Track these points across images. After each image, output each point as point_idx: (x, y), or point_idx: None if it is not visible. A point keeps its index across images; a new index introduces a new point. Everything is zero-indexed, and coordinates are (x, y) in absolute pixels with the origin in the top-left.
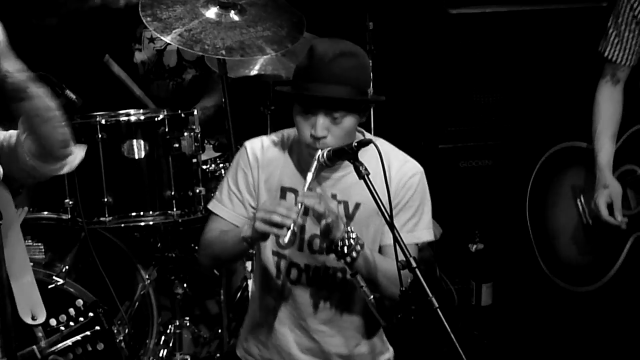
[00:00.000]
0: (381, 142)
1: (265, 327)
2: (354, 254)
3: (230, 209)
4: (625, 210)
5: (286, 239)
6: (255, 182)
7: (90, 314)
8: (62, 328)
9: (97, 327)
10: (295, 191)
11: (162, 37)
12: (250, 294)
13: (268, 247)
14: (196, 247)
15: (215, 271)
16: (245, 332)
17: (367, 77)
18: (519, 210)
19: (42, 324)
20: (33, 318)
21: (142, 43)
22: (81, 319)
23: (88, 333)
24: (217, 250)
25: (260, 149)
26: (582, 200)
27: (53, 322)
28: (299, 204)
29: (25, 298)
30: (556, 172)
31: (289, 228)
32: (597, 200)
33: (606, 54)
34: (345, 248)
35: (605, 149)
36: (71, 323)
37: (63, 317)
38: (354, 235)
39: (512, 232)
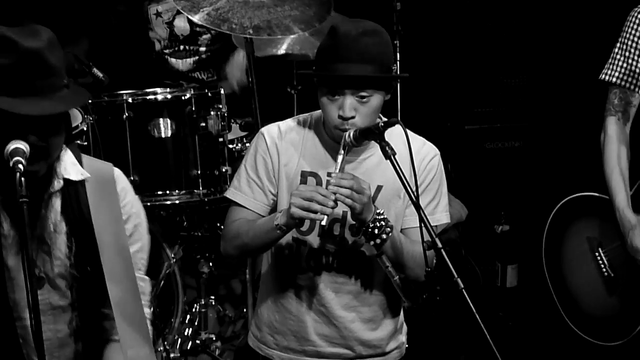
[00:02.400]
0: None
1: (281, 314)
2: (384, 235)
3: (250, 197)
4: None
5: (324, 223)
6: (275, 168)
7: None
8: None
9: None
10: (316, 175)
11: (190, 16)
12: (262, 281)
13: (289, 233)
14: (222, 226)
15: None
16: (258, 322)
17: (390, 54)
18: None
19: None
20: None
21: (151, 22)
22: None
23: None
24: (247, 240)
25: (278, 134)
26: (602, 252)
27: None
28: (334, 187)
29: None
30: (568, 224)
31: (327, 214)
32: (634, 242)
33: (614, 80)
34: (376, 230)
35: (620, 193)
36: None
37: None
38: (384, 217)
39: (538, 213)
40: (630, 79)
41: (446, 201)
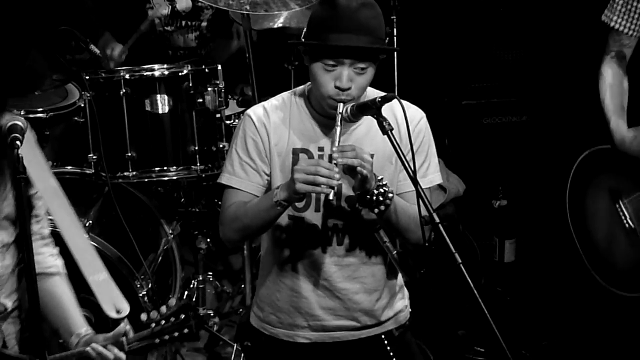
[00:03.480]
0: (378, 92)
1: (284, 292)
2: (388, 201)
3: (245, 179)
4: None
5: (331, 197)
6: (266, 148)
7: (182, 316)
8: (153, 325)
9: (186, 330)
10: (307, 151)
11: None
12: (262, 261)
13: (284, 212)
14: (219, 202)
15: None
16: (260, 301)
17: (384, 26)
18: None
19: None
20: (117, 312)
21: (152, 1)
22: (172, 319)
23: (176, 334)
24: (247, 221)
25: (264, 114)
26: (623, 204)
27: (144, 317)
28: (335, 160)
29: (105, 294)
30: (591, 178)
31: (333, 187)
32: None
33: (612, 24)
34: (381, 197)
35: (615, 118)
36: (162, 322)
37: (154, 314)
38: (385, 183)
39: (535, 188)
40: (627, 24)
41: (436, 161)
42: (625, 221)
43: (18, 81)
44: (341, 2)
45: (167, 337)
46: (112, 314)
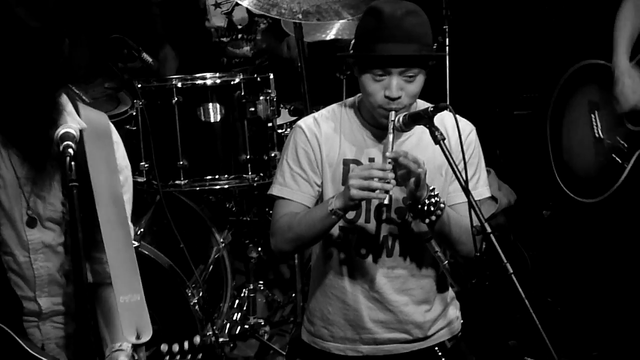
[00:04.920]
0: (428, 104)
1: (335, 305)
2: (439, 212)
3: (297, 190)
4: (631, 126)
5: (386, 201)
6: (317, 158)
7: (200, 356)
8: (167, 358)
9: None
10: (357, 162)
11: (239, 1)
12: (312, 275)
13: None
14: (271, 211)
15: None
16: (311, 315)
17: (431, 33)
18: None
19: (149, 345)
20: (137, 337)
21: (209, 12)
22: (189, 356)
23: None
24: (300, 231)
25: (316, 125)
26: (597, 115)
27: (164, 347)
28: (390, 163)
29: (131, 317)
30: (575, 89)
31: (388, 191)
32: (622, 88)
33: None
34: (432, 207)
35: (621, 47)
36: (178, 357)
37: (175, 347)
38: (437, 193)
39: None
40: None
41: (485, 175)
42: (595, 130)
43: (58, 71)
44: (386, 11)
45: None
46: (131, 338)
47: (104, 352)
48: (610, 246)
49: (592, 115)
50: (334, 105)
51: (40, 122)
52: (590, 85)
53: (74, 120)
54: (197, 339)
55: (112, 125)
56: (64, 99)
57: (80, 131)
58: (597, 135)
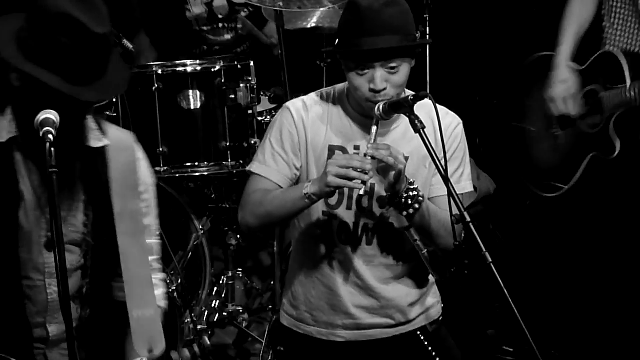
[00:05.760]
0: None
1: (318, 289)
2: (417, 205)
3: (275, 170)
4: (588, 128)
5: (362, 192)
6: (302, 142)
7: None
8: None
9: None
10: (343, 149)
11: None
12: (292, 259)
13: (318, 207)
14: None
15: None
16: (293, 300)
17: (412, 21)
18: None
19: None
20: (149, 351)
21: (189, 1)
22: None
23: None
24: (271, 209)
25: (304, 108)
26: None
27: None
28: (369, 157)
29: (144, 332)
30: (535, 81)
31: (364, 182)
32: (552, 93)
33: None
34: (410, 200)
35: (566, 44)
36: None
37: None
38: (416, 187)
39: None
40: None
41: (469, 170)
42: (554, 125)
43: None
44: (363, 4)
45: None
46: (143, 353)
47: None
48: (572, 239)
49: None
50: (325, 90)
51: (68, 141)
52: (549, 77)
53: (98, 137)
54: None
55: (136, 143)
56: (89, 117)
57: (105, 147)
58: (554, 129)
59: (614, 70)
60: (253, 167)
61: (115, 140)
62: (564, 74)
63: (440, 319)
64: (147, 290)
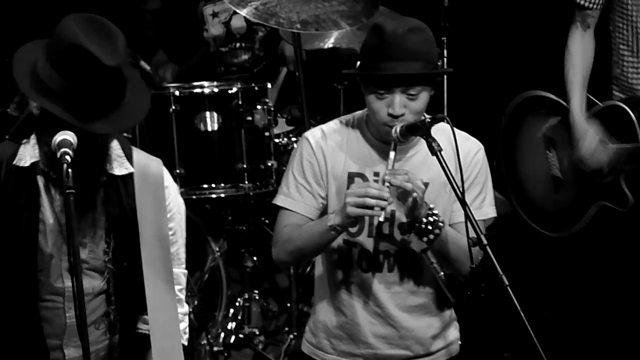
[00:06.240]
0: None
1: (338, 317)
2: (437, 231)
3: (301, 202)
4: (596, 177)
5: (382, 219)
6: (322, 171)
7: None
8: None
9: None
10: (362, 175)
11: (238, 10)
12: (316, 286)
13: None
14: (267, 221)
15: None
16: (314, 328)
17: (435, 50)
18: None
19: None
20: None
21: (207, 22)
22: None
23: None
24: (300, 244)
25: (322, 137)
26: (555, 154)
27: None
28: (387, 183)
29: None
30: (526, 116)
31: (383, 208)
32: (580, 153)
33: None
34: (430, 226)
35: (575, 97)
36: None
37: None
38: (436, 212)
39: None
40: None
41: (492, 195)
42: (553, 170)
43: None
44: (388, 29)
45: None
46: None
47: None
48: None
49: (548, 152)
50: (343, 118)
51: (87, 167)
52: (546, 116)
53: (122, 165)
54: None
55: (165, 170)
56: (114, 144)
57: (132, 175)
58: (554, 173)
59: (623, 124)
60: (279, 200)
61: (141, 168)
62: (583, 129)
63: (457, 356)
64: (171, 321)
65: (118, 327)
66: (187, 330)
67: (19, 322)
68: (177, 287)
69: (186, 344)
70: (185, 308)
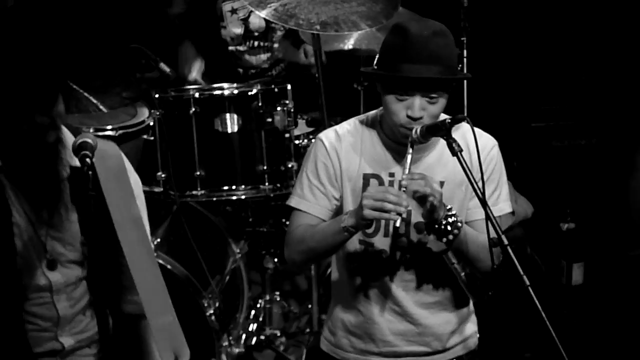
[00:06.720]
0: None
1: (356, 316)
2: (456, 231)
3: (314, 203)
4: None
5: (398, 224)
6: (337, 172)
7: None
8: None
9: None
10: (377, 177)
11: (257, 12)
12: (333, 286)
13: (354, 236)
14: (287, 222)
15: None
16: (332, 326)
17: (456, 54)
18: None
19: None
20: (175, 359)
21: (225, 18)
22: None
23: None
24: (312, 244)
25: (336, 138)
26: None
27: None
28: (403, 188)
29: (167, 339)
30: None
31: (400, 214)
32: None
33: None
34: (449, 226)
35: None
36: None
37: None
38: (454, 213)
39: (604, 212)
40: None
41: (507, 190)
42: None
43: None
44: (412, 30)
45: None
46: None
47: None
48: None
49: None
50: (357, 118)
51: (41, 163)
52: None
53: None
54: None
55: (122, 153)
56: (67, 135)
57: (92, 163)
58: None
59: None
60: (292, 201)
61: (100, 153)
62: None
63: (476, 349)
64: (162, 296)
65: (106, 312)
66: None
67: (3, 326)
68: None
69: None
70: None
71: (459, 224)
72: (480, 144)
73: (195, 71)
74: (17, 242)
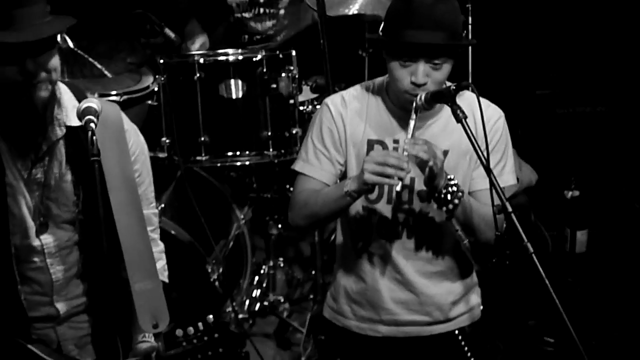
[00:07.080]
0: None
1: (358, 283)
2: (457, 200)
3: (318, 167)
4: None
5: (398, 188)
6: (342, 137)
7: (216, 335)
8: (184, 343)
9: (221, 350)
10: (382, 142)
11: None
12: (337, 250)
13: (357, 202)
14: (291, 188)
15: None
16: (335, 293)
17: (460, 20)
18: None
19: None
20: (154, 326)
21: None
22: (206, 337)
23: (210, 353)
24: (316, 209)
25: (342, 103)
26: None
27: (179, 332)
28: (405, 152)
29: (146, 305)
30: None
31: (401, 178)
32: None
33: None
34: (449, 195)
35: None
36: (194, 340)
37: (190, 330)
38: (455, 182)
39: (608, 179)
40: None
41: (512, 162)
42: None
43: None
44: None
45: (199, 356)
46: (147, 328)
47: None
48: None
49: None
50: (363, 84)
51: (32, 122)
52: None
53: (75, 114)
54: (210, 318)
55: (123, 114)
56: (68, 95)
57: None
58: None
59: None
60: (297, 166)
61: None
62: None
63: (479, 320)
64: (147, 262)
65: (90, 277)
66: (166, 267)
67: None
68: (149, 228)
69: (167, 280)
70: (160, 246)
71: (460, 194)
72: (486, 115)
73: (199, 44)
74: (10, 202)
